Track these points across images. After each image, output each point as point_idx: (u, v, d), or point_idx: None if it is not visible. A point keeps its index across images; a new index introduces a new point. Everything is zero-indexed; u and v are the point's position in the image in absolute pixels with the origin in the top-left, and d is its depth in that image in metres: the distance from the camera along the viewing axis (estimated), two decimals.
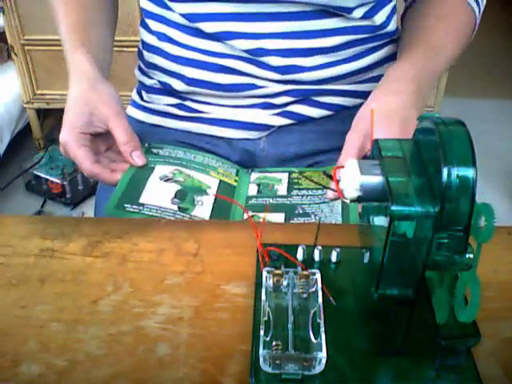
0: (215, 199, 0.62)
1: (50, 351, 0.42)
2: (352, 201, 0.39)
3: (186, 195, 0.61)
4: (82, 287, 0.47)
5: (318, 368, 0.37)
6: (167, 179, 0.63)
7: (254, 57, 0.69)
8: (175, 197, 0.60)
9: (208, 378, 0.40)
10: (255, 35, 0.67)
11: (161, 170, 0.64)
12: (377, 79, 0.76)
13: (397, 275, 0.38)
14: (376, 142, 0.40)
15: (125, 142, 0.63)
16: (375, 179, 0.38)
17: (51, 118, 2.20)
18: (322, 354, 0.37)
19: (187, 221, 0.56)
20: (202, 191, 0.63)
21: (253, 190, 0.66)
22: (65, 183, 1.86)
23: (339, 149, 0.72)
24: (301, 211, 0.60)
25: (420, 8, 0.73)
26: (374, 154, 0.40)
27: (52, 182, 1.87)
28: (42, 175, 1.88)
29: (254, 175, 0.70)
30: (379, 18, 0.72)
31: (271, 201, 0.64)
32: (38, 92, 1.99)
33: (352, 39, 0.71)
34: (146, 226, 0.54)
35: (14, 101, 1.96)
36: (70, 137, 0.64)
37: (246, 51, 0.68)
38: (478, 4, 0.72)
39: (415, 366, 0.39)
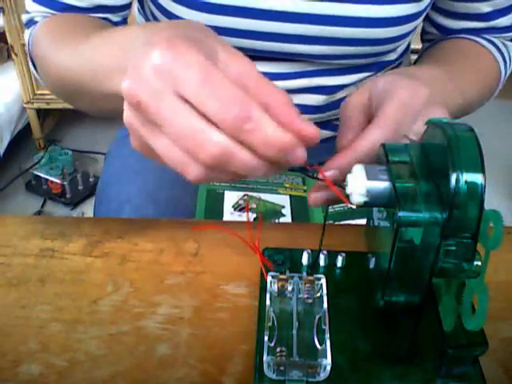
0: (292, 215, 0.62)
1: (50, 351, 0.42)
2: (358, 206, 0.38)
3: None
4: (82, 287, 0.47)
5: (323, 375, 0.37)
6: (241, 208, 0.63)
7: None
8: None
9: (208, 377, 0.40)
10: (281, 75, 0.65)
11: (230, 197, 0.64)
12: None
13: (403, 282, 0.38)
14: (383, 145, 0.39)
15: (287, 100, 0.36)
16: (382, 184, 0.37)
17: (51, 117, 2.20)
18: (327, 361, 0.36)
19: (187, 220, 0.56)
20: (277, 213, 0.62)
21: None
22: (65, 183, 1.86)
23: None
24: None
25: (440, 45, 0.69)
26: (381, 158, 0.40)
27: (52, 182, 1.87)
28: (42, 175, 1.89)
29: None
30: (400, 48, 0.71)
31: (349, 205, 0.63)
32: (38, 92, 1.99)
33: (368, 75, 0.70)
34: (146, 225, 0.54)
35: (14, 101, 1.96)
36: (189, 46, 0.34)
37: None
38: (504, 61, 0.67)
39: (421, 373, 0.39)
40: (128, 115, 0.35)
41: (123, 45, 0.41)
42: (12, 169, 1.99)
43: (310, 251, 0.46)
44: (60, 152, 1.97)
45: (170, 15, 0.59)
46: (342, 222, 0.62)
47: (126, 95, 0.34)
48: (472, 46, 0.66)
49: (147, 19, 0.69)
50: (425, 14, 0.63)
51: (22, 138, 2.05)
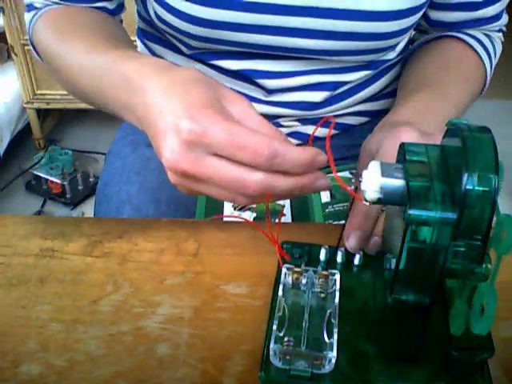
0: (292, 213, 0.62)
1: (50, 351, 0.42)
2: (373, 203, 0.38)
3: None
4: (82, 287, 0.47)
5: (328, 367, 0.37)
6: (241, 207, 0.62)
7: (272, 97, 0.67)
8: None
9: (208, 377, 0.40)
10: (280, 74, 0.66)
11: None
12: (389, 95, 0.75)
13: (413, 281, 0.38)
14: (402, 144, 0.39)
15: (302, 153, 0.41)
16: (396, 182, 0.37)
17: (51, 117, 2.20)
18: (333, 354, 0.37)
19: (187, 220, 0.56)
20: (277, 212, 0.62)
21: (325, 196, 0.65)
22: (65, 183, 1.86)
23: (346, 158, 0.72)
24: None
25: (421, 55, 0.69)
26: (399, 158, 0.40)
27: (52, 182, 1.87)
28: (42, 175, 1.89)
29: None
30: (399, 46, 0.71)
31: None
32: (38, 92, 1.99)
33: (373, 74, 0.70)
34: (146, 225, 0.54)
35: (13, 101, 1.96)
36: (209, 117, 0.39)
37: (269, 90, 0.66)
38: (489, 58, 0.68)
39: (427, 375, 0.39)
40: (173, 177, 0.42)
41: (129, 90, 0.45)
42: (12, 169, 1.99)
43: (327, 247, 0.46)
44: (60, 152, 1.97)
45: (173, 10, 0.59)
46: (342, 222, 0.62)
47: (169, 167, 0.40)
48: (459, 51, 0.67)
49: (149, 19, 0.69)
50: (426, 6, 0.63)
51: (21, 138, 2.06)
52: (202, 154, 0.39)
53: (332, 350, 0.37)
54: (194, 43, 0.63)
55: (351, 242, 0.46)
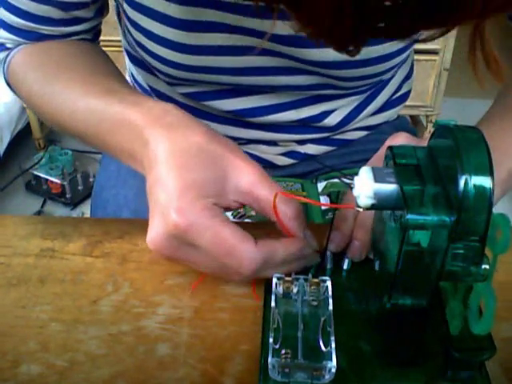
0: None
1: (50, 351, 0.42)
2: (366, 209, 0.38)
3: None
4: (82, 287, 0.47)
5: (328, 377, 0.36)
6: (240, 215, 0.62)
7: (269, 127, 0.66)
8: None
9: (208, 378, 0.40)
10: (268, 109, 0.64)
11: None
12: (390, 106, 0.72)
13: (410, 285, 0.38)
14: (390, 148, 0.39)
15: (295, 215, 0.43)
16: (389, 187, 0.37)
17: None
18: (332, 364, 0.36)
19: None
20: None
21: (325, 202, 0.65)
22: (65, 183, 1.86)
23: (345, 163, 0.71)
24: None
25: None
26: (388, 161, 0.39)
27: (52, 182, 1.87)
28: (42, 175, 1.89)
29: (321, 185, 0.68)
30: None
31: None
32: None
33: (366, 96, 0.68)
34: (147, 226, 0.53)
35: (14, 101, 1.96)
36: (197, 212, 0.39)
37: (262, 125, 0.65)
38: None
39: (427, 377, 0.39)
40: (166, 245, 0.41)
41: (134, 140, 0.44)
42: (12, 169, 1.99)
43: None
44: (60, 152, 1.97)
45: (150, 53, 0.57)
46: None
47: (151, 248, 0.41)
48: None
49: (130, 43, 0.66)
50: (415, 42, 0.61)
51: (22, 138, 2.05)
52: (184, 244, 0.40)
53: (331, 359, 0.36)
54: (175, 82, 0.62)
55: (332, 242, 0.47)
